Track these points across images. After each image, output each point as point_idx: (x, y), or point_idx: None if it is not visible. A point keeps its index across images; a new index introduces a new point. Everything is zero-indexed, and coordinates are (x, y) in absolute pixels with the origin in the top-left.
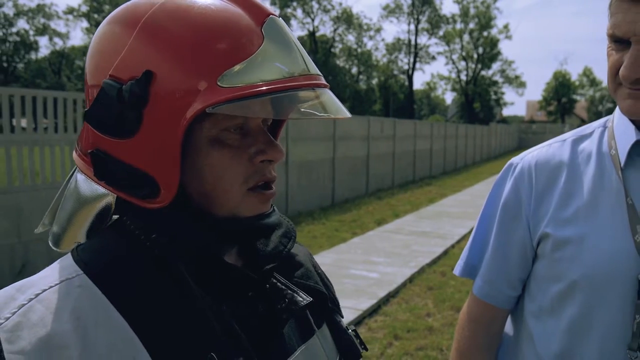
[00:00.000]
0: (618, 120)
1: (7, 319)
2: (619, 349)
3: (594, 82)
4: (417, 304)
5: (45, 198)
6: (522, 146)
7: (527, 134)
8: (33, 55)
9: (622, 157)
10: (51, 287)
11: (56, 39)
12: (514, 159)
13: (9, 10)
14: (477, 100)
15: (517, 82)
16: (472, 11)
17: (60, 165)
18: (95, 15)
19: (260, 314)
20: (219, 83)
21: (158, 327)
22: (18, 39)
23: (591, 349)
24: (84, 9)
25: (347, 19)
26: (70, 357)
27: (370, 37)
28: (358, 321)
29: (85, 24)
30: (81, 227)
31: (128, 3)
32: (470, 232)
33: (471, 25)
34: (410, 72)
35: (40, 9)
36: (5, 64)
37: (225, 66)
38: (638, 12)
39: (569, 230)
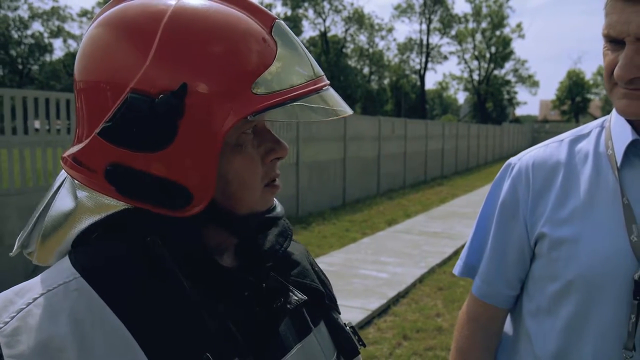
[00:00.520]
0: (615, 120)
1: (7, 323)
2: (615, 349)
3: None
4: (426, 304)
5: None
6: None
7: (540, 133)
8: (47, 58)
9: (619, 157)
10: (49, 290)
11: (70, 41)
12: (512, 159)
13: (24, 13)
14: (490, 100)
15: (530, 82)
16: (484, 10)
17: None
18: None
19: (257, 313)
20: (253, 91)
21: (154, 329)
22: (33, 41)
23: (587, 348)
24: (98, 11)
25: (358, 19)
26: (67, 359)
27: (382, 37)
28: (367, 321)
29: None
30: (63, 238)
31: (125, 7)
32: None
33: (483, 25)
34: (422, 72)
35: (54, 12)
36: (20, 66)
37: (255, 74)
38: (632, 12)
39: (565, 230)
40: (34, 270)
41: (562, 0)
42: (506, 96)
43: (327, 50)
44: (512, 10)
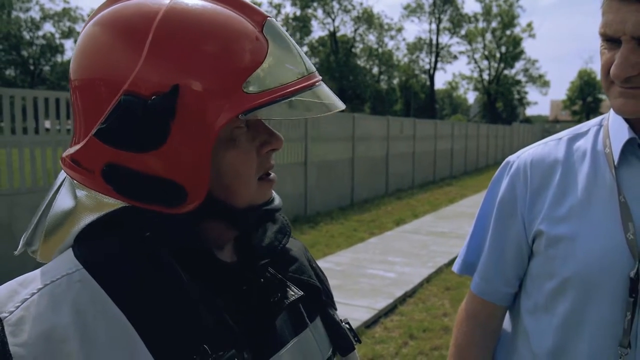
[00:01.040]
0: (613, 118)
1: (11, 312)
2: (610, 346)
3: None
4: (433, 304)
5: None
6: None
7: (550, 133)
8: (59, 58)
9: (616, 156)
10: (52, 281)
11: None
12: (511, 157)
13: (36, 14)
14: (500, 100)
15: (541, 82)
16: (494, 10)
17: None
18: None
19: (254, 308)
20: (244, 89)
21: (153, 320)
22: (44, 42)
23: (583, 345)
24: None
25: (367, 19)
26: (70, 349)
27: (391, 37)
28: (374, 320)
29: None
30: (65, 236)
31: (120, 8)
32: None
33: (494, 24)
34: (431, 71)
35: (65, 13)
36: (32, 67)
37: (247, 73)
38: (628, 11)
39: (563, 227)
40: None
41: None
42: (516, 96)
43: (336, 50)
44: (522, 10)
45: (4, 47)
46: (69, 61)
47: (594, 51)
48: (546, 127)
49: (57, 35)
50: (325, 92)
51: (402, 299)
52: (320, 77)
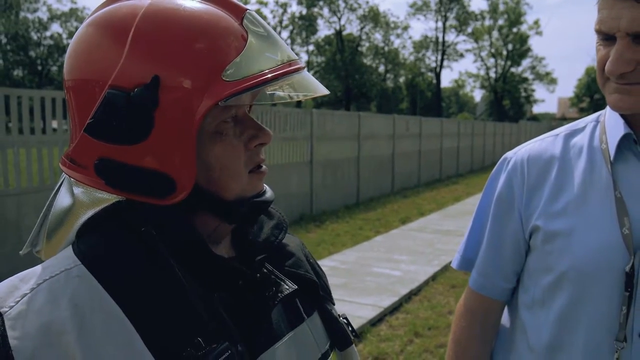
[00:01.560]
0: (609, 114)
1: (12, 307)
2: (606, 340)
3: None
4: (439, 302)
5: None
6: None
7: None
8: None
9: (612, 151)
10: (51, 277)
11: None
12: (508, 153)
13: (43, 14)
14: (507, 98)
15: (548, 79)
16: (501, 7)
17: None
18: None
19: (250, 302)
20: (223, 78)
21: (149, 314)
22: (52, 42)
23: (579, 339)
24: None
25: (373, 17)
26: (67, 342)
27: (398, 35)
28: (379, 318)
29: None
30: (68, 232)
31: (108, 9)
32: None
33: (500, 22)
34: (437, 69)
35: (73, 13)
36: (39, 67)
37: (225, 61)
38: (622, 7)
39: (559, 223)
40: None
41: None
42: (523, 94)
43: (342, 48)
44: (529, 7)
45: (12, 48)
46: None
47: None
48: (553, 124)
49: (64, 36)
50: (307, 78)
51: (408, 297)
52: (303, 65)
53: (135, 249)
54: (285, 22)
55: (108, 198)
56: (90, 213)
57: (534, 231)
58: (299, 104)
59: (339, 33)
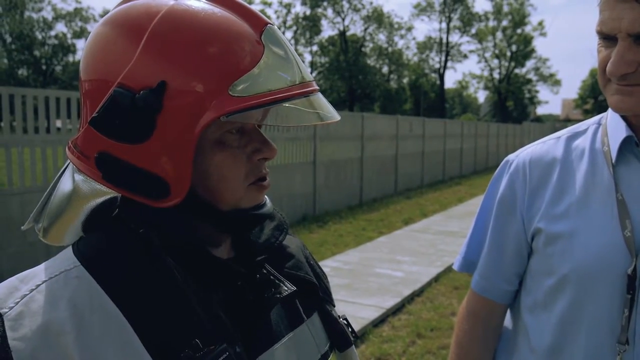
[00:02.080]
0: (611, 117)
1: (11, 308)
2: (608, 343)
3: None
4: (441, 303)
5: None
6: None
7: None
8: (71, 58)
9: (613, 153)
10: (51, 278)
11: None
12: (510, 156)
13: (48, 14)
14: (511, 99)
15: (552, 80)
16: (505, 8)
17: None
18: None
19: (249, 303)
20: (230, 92)
21: (147, 315)
22: (56, 42)
23: (581, 342)
24: None
25: (377, 18)
26: (66, 342)
27: (401, 36)
28: (382, 319)
29: None
30: (71, 221)
31: (127, 7)
32: None
33: (504, 23)
34: (441, 70)
35: (77, 13)
36: (44, 67)
37: (235, 76)
38: (624, 9)
39: (561, 225)
40: None
41: None
42: (527, 95)
43: (345, 49)
44: (533, 8)
45: (16, 47)
46: (80, 61)
47: None
48: (557, 126)
49: (69, 35)
50: (320, 101)
51: (410, 298)
52: (317, 88)
53: (135, 250)
54: (289, 23)
55: (106, 191)
56: (92, 204)
57: (536, 233)
58: None
59: (342, 33)
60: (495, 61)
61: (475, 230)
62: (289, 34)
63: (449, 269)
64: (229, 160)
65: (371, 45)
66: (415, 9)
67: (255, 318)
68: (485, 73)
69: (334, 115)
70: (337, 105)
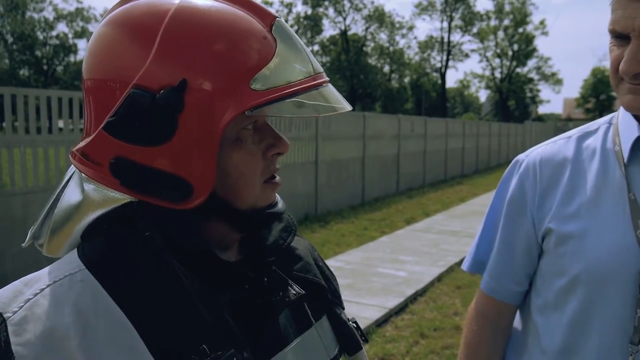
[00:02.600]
0: (622, 116)
1: (15, 312)
2: (620, 343)
3: None
4: (444, 303)
5: None
6: None
7: (563, 132)
8: (72, 58)
9: (625, 153)
10: (55, 282)
11: None
12: (520, 156)
13: (49, 14)
14: (512, 98)
15: (554, 80)
16: (507, 7)
17: None
18: None
19: (257, 307)
20: (251, 87)
21: (153, 320)
22: (57, 42)
23: (593, 343)
24: None
25: (379, 17)
26: (70, 347)
27: (403, 36)
28: (385, 319)
29: None
30: (72, 231)
31: (131, 7)
32: None
33: (506, 22)
34: (443, 70)
35: (78, 13)
36: (45, 67)
37: (254, 70)
38: (637, 7)
39: (572, 225)
40: None
41: None
42: (529, 94)
43: (347, 48)
44: (535, 7)
45: (18, 47)
46: (82, 61)
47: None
48: (559, 125)
49: (70, 35)
50: (332, 92)
51: (413, 298)
52: (328, 79)
53: (141, 254)
54: (290, 22)
55: (120, 198)
56: (98, 213)
57: (546, 234)
58: None
59: (344, 33)
60: (497, 60)
61: (484, 231)
62: None
63: (451, 269)
64: (247, 157)
65: (372, 44)
66: (417, 8)
67: (263, 322)
68: (487, 72)
69: (345, 105)
70: None
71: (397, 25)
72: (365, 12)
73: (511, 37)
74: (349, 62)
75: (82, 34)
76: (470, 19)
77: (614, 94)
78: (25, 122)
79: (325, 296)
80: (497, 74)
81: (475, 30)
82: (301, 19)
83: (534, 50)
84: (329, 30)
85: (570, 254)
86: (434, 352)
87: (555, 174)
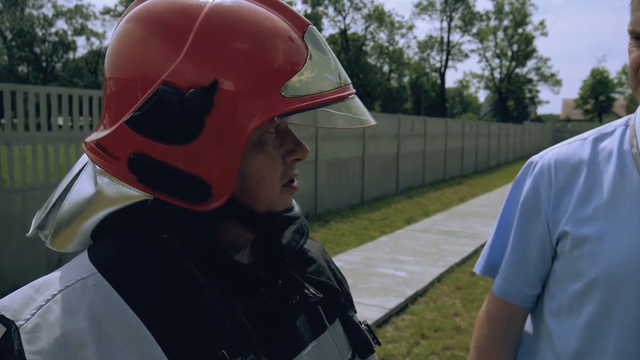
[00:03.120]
0: (639, 118)
1: (27, 320)
2: (637, 348)
3: None
4: (445, 304)
5: None
6: None
7: (562, 132)
8: (71, 55)
9: None
10: (67, 287)
11: (93, 39)
12: (534, 157)
13: (48, 11)
14: (511, 99)
15: (553, 80)
16: (506, 8)
17: None
18: None
19: (272, 310)
20: (282, 93)
21: (170, 325)
22: (57, 39)
23: (609, 346)
24: (120, 9)
25: (378, 16)
26: (86, 355)
27: (402, 35)
28: (385, 320)
29: None
30: (83, 226)
31: (157, 3)
32: None
33: (505, 22)
34: (442, 70)
35: (78, 10)
36: (44, 64)
37: (286, 77)
38: None
39: (588, 228)
40: (58, 262)
41: None
42: (528, 95)
43: (346, 48)
44: (534, 8)
45: (17, 44)
46: (80, 58)
47: (607, 49)
48: (558, 126)
49: (69, 32)
50: (358, 105)
51: (413, 298)
52: (354, 90)
53: (155, 256)
54: None
55: (136, 195)
56: (110, 209)
57: (561, 237)
58: None
59: (343, 32)
60: (496, 61)
61: (497, 233)
62: None
63: (451, 269)
64: (268, 161)
65: (372, 44)
66: (417, 7)
67: (280, 325)
68: (486, 72)
69: (369, 119)
70: None
71: (397, 24)
72: (365, 11)
73: (511, 38)
74: (348, 61)
75: (81, 31)
76: (470, 19)
77: (613, 95)
78: (24, 119)
79: (338, 299)
80: (497, 74)
81: (474, 30)
82: None
83: (534, 50)
84: (329, 29)
85: (587, 257)
86: (435, 353)
87: (570, 176)
